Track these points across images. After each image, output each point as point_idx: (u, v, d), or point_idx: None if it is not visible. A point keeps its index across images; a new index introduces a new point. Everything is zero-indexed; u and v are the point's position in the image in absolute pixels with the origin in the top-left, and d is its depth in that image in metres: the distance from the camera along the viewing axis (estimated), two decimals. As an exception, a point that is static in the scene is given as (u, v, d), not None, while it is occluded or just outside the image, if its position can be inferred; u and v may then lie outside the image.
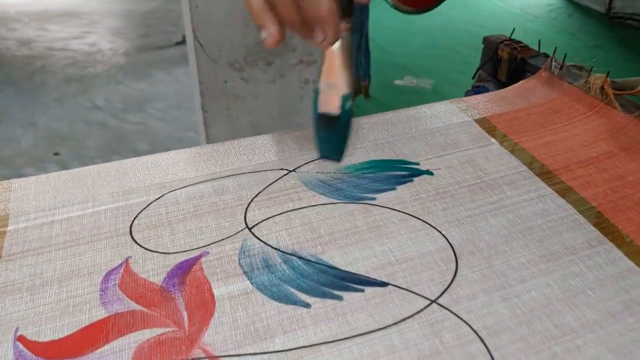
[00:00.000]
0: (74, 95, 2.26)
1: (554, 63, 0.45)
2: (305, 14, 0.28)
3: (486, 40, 0.54)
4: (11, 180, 0.33)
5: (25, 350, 0.23)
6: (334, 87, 0.29)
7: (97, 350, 0.23)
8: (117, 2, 3.18)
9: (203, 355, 0.22)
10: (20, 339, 0.23)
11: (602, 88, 0.41)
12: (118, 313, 0.24)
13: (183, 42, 2.57)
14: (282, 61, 0.87)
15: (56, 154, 1.92)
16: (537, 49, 0.50)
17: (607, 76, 0.42)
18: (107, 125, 2.07)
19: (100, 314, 0.24)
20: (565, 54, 0.46)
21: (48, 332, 0.24)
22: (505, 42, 0.52)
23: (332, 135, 0.30)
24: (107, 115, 2.16)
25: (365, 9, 1.15)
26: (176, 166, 0.34)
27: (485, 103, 0.41)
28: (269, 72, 0.87)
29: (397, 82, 1.83)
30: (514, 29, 0.53)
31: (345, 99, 0.29)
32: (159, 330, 0.24)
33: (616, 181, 0.32)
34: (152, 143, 1.93)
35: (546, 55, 0.48)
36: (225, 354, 0.23)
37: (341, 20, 0.28)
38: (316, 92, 0.30)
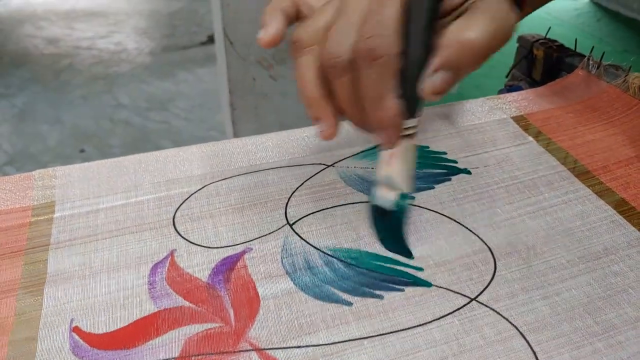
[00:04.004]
0: (99, 93, 2.31)
1: (590, 62, 0.45)
2: (367, 114, 0.25)
3: (521, 39, 0.54)
4: (55, 168, 0.34)
5: (81, 342, 0.24)
6: (393, 181, 0.27)
7: (149, 342, 0.24)
8: (143, 2, 3.23)
9: (250, 347, 0.23)
10: (76, 330, 0.25)
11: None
12: (167, 308, 0.25)
13: (207, 42, 2.61)
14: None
15: (82, 150, 1.96)
16: (590, 53, 0.50)
17: (638, 74, 0.42)
18: (132, 123, 2.11)
19: (150, 308, 0.26)
20: (603, 53, 0.46)
21: (101, 324, 0.25)
22: (541, 41, 0.52)
23: (386, 227, 0.29)
24: (131, 114, 2.20)
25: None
26: (216, 157, 0.35)
27: (521, 101, 0.41)
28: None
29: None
30: (549, 28, 0.53)
31: (403, 197, 0.27)
32: (206, 325, 0.25)
33: (657, 181, 0.32)
34: (176, 141, 1.96)
35: (582, 55, 0.48)
36: (271, 346, 0.23)
37: (407, 118, 0.25)
38: (374, 184, 0.28)
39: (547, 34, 0.52)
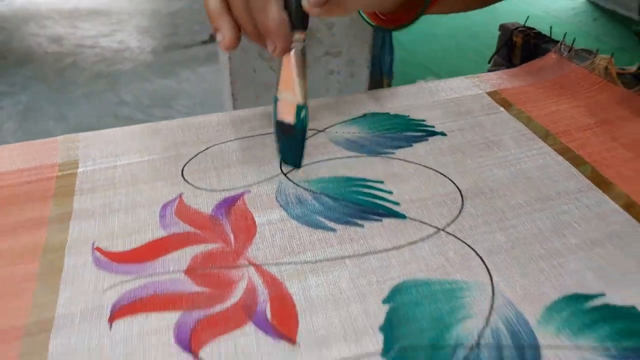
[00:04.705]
0: (102, 91, 2.35)
1: (563, 46, 0.50)
2: (257, 24, 0.30)
3: (502, 27, 0.59)
4: (78, 134, 0.39)
5: (102, 257, 0.28)
6: (290, 96, 0.31)
7: (160, 258, 0.28)
8: (145, 2, 3.29)
9: (247, 263, 0.28)
10: (97, 249, 0.29)
11: (606, 68, 0.46)
12: (175, 233, 0.30)
13: (208, 41, 2.66)
14: (308, 52, 0.93)
15: (86, 146, 2.00)
16: (563, 39, 0.54)
17: (611, 57, 0.46)
18: (135, 119, 2.15)
19: (161, 233, 0.30)
20: (574, 39, 0.50)
21: (119, 246, 0.29)
22: (520, 29, 0.56)
23: (290, 142, 0.33)
24: (134, 111, 2.24)
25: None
26: (219, 125, 0.40)
27: (497, 79, 0.46)
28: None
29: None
30: (527, 17, 0.57)
31: (300, 108, 0.31)
32: (210, 246, 0.29)
33: (610, 143, 0.37)
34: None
35: (557, 42, 0.53)
36: (266, 263, 0.28)
37: (295, 30, 0.30)
38: (275, 101, 0.32)
39: (525, 22, 0.57)
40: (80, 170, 0.35)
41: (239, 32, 0.31)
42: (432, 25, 2.41)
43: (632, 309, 0.25)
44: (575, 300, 0.25)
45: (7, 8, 3.23)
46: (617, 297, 0.26)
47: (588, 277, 0.27)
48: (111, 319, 0.25)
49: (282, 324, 0.25)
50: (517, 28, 0.57)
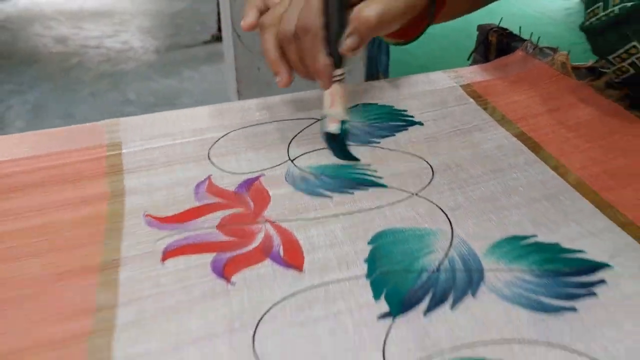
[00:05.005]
0: (107, 90, 2.44)
1: (529, 44, 0.58)
2: (308, 68, 0.40)
3: (479, 28, 0.67)
4: (118, 119, 0.47)
5: (152, 220, 0.37)
6: (335, 114, 0.43)
7: (197, 219, 0.37)
8: (147, 3, 3.37)
9: (264, 220, 0.36)
10: (147, 215, 0.37)
11: (563, 63, 0.54)
12: (207, 203, 0.38)
13: (210, 41, 2.74)
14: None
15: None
16: (529, 38, 0.62)
17: (568, 54, 0.55)
18: (140, 117, 2.23)
19: (196, 204, 0.38)
20: (539, 37, 0.59)
21: (163, 213, 0.38)
22: (494, 29, 0.65)
23: (336, 145, 0.44)
24: (138, 109, 2.33)
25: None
26: (235, 112, 0.48)
27: (470, 73, 0.54)
28: (297, 62, 1.02)
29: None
30: (501, 18, 0.66)
31: (343, 123, 0.43)
32: (235, 210, 0.38)
33: (556, 125, 0.45)
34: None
35: (533, 44, 0.61)
36: (278, 220, 0.36)
37: (336, 69, 0.41)
38: (323, 117, 0.44)
39: (500, 23, 0.65)
40: (124, 151, 0.44)
41: (292, 73, 0.42)
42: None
43: (555, 245, 0.34)
44: (513, 239, 0.34)
45: (12, 9, 3.31)
46: (546, 237, 0.34)
47: (525, 224, 0.35)
48: (164, 258, 0.34)
49: (292, 259, 0.33)
50: (492, 28, 0.65)
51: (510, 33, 0.63)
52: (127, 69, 2.66)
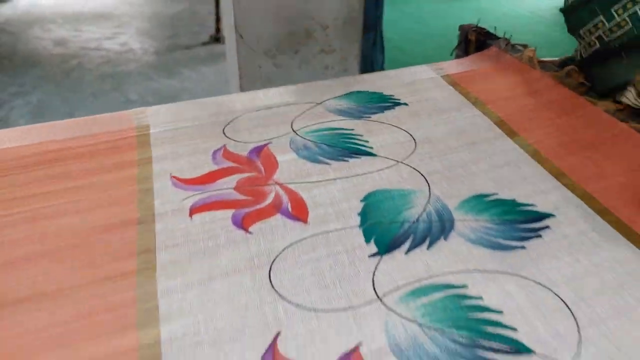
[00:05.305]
0: (108, 90, 2.51)
1: (502, 41, 0.66)
2: None
3: (461, 28, 0.75)
4: (145, 108, 0.55)
5: (177, 182, 0.44)
6: None
7: (216, 181, 0.44)
8: (145, 5, 3.43)
9: (274, 182, 0.44)
10: (173, 177, 0.45)
11: (530, 57, 0.62)
12: (223, 167, 0.46)
13: (209, 42, 2.81)
14: (306, 50, 1.09)
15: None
16: (505, 36, 0.70)
17: (534, 49, 0.63)
18: (141, 117, 2.30)
19: (214, 168, 0.46)
20: (511, 35, 0.67)
21: (187, 176, 0.45)
22: (474, 29, 0.73)
23: None
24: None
25: (380, 6, 1.36)
26: (248, 100, 0.56)
27: (450, 66, 0.62)
28: (296, 59, 1.09)
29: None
30: (479, 19, 0.74)
31: None
32: (248, 174, 0.45)
33: (521, 107, 0.53)
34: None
35: (505, 39, 0.69)
36: (285, 182, 0.44)
37: None
38: None
39: (478, 23, 0.73)
40: (152, 131, 0.51)
41: None
42: (424, 25, 2.58)
43: (512, 200, 0.41)
44: (479, 196, 0.42)
45: (11, 12, 3.37)
46: (505, 195, 0.42)
47: (489, 185, 0.43)
48: (190, 214, 0.41)
49: (298, 213, 0.41)
50: (472, 28, 0.73)
51: (487, 32, 0.71)
52: (128, 70, 2.72)
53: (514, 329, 0.32)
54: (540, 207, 0.41)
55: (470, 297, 0.34)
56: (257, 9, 0.97)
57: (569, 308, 0.33)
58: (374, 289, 0.35)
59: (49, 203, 0.43)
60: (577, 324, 0.32)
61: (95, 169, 0.46)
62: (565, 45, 0.65)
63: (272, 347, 0.31)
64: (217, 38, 2.86)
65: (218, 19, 2.77)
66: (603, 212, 0.40)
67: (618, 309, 0.33)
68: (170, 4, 3.48)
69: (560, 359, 0.30)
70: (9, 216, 0.42)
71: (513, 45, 0.65)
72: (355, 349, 0.31)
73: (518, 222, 0.40)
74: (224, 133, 0.51)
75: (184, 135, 0.51)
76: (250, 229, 0.40)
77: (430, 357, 0.30)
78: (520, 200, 0.42)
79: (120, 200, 0.43)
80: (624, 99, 0.54)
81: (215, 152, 0.48)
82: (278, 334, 0.32)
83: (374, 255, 0.37)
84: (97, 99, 2.45)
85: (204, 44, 2.86)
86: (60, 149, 0.49)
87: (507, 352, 0.30)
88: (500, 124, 0.51)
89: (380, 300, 0.34)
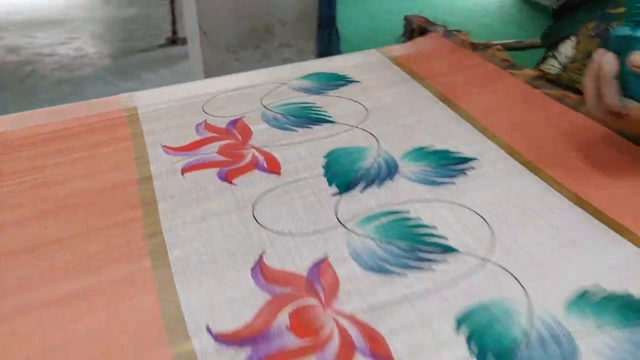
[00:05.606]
0: (66, 95, 2.53)
1: (439, 28, 0.77)
2: None
3: (406, 18, 0.86)
4: (132, 92, 0.63)
5: (168, 150, 0.53)
6: None
7: (200, 148, 0.53)
8: (97, 9, 3.45)
9: (250, 147, 0.53)
10: (164, 146, 0.54)
11: (463, 40, 0.73)
12: (205, 137, 0.55)
13: (165, 44, 2.86)
14: (267, 45, 1.19)
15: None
16: (443, 24, 0.81)
17: (467, 33, 0.74)
18: (102, 120, 2.33)
19: (197, 137, 0.55)
20: (447, 24, 0.78)
21: (174, 144, 0.54)
22: (418, 18, 0.84)
23: None
24: (99, 113, 2.41)
25: (333, 4, 1.48)
26: (221, 83, 0.65)
27: (396, 50, 0.73)
28: (257, 54, 1.19)
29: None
30: (421, 9, 0.85)
31: None
32: (227, 141, 0.54)
33: (454, 80, 0.64)
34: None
35: (443, 26, 0.80)
36: (260, 146, 0.54)
37: None
38: None
39: (420, 13, 0.85)
40: (140, 111, 0.60)
41: None
42: (377, 22, 2.72)
43: (446, 150, 0.52)
44: (419, 149, 0.53)
45: (-42, 21, 3.32)
46: (440, 146, 0.53)
47: (428, 140, 0.54)
48: (182, 173, 0.50)
49: (272, 168, 0.51)
50: (415, 18, 0.84)
51: (428, 20, 0.83)
52: (84, 74, 2.75)
53: (445, 238, 0.42)
54: (467, 154, 0.52)
55: (412, 219, 0.44)
56: (219, 7, 1.06)
57: (486, 221, 0.44)
58: (337, 217, 0.45)
59: (57, 171, 0.51)
60: (491, 231, 0.43)
61: (94, 143, 0.55)
62: (504, 34, 0.77)
63: (259, 261, 0.41)
64: (173, 40, 2.91)
65: (174, 21, 2.82)
66: (515, 155, 0.51)
67: (522, 220, 0.44)
68: (122, 7, 3.50)
69: (478, 254, 0.41)
70: (23, 183, 0.50)
71: (450, 31, 0.77)
72: (325, 259, 0.41)
73: (449, 164, 0.51)
74: (203, 110, 0.60)
75: (169, 114, 0.60)
76: (234, 181, 0.49)
77: (382, 259, 0.40)
78: (451, 150, 0.53)
79: (120, 166, 0.52)
80: (544, 67, 0.66)
81: (197, 126, 0.57)
82: (263, 252, 0.41)
83: (335, 194, 0.47)
84: (54, 105, 2.46)
85: (161, 46, 2.91)
86: (62, 129, 0.57)
87: (438, 253, 0.41)
88: (437, 94, 0.62)
89: (343, 225, 0.44)
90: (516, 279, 0.38)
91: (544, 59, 0.71)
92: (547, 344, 0.34)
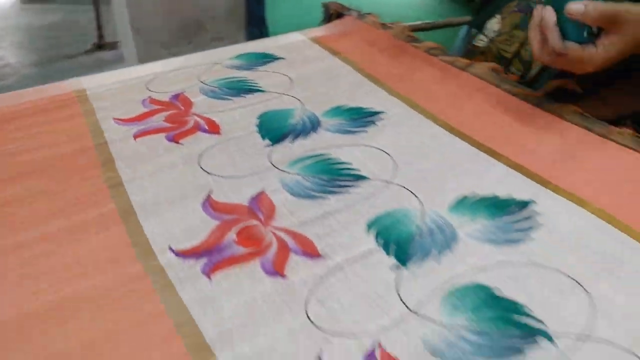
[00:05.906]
0: (-10, 106, 2.48)
1: (353, 12, 0.89)
2: None
3: (324, 5, 0.98)
4: (80, 78, 0.71)
5: (119, 121, 0.62)
6: None
7: (148, 119, 0.62)
8: (16, 17, 3.39)
9: (192, 114, 0.63)
10: (114, 119, 0.62)
11: (374, 21, 0.86)
12: (152, 109, 0.64)
13: (92, 50, 2.86)
14: (199, 39, 1.28)
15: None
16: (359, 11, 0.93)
17: (377, 15, 0.86)
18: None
19: (144, 110, 0.64)
20: (362, 10, 0.90)
21: (125, 117, 0.63)
22: (334, 4, 0.95)
23: None
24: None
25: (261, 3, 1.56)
26: (161, 65, 0.74)
27: (317, 31, 0.84)
28: (190, 48, 1.27)
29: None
30: (350, 3, 0.97)
31: None
32: (172, 111, 0.63)
33: (367, 53, 0.76)
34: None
35: (357, 10, 0.92)
36: (201, 113, 0.63)
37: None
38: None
39: (338, 0, 0.96)
40: (89, 92, 0.68)
41: None
42: (305, 18, 2.84)
43: (359, 107, 0.63)
44: (337, 107, 0.64)
45: None
46: (354, 104, 0.64)
47: (344, 100, 0.65)
48: (135, 137, 0.59)
49: (213, 129, 0.60)
50: (332, 4, 0.96)
51: (344, 6, 0.95)
52: (7, 84, 2.71)
53: (358, 170, 0.54)
54: (376, 109, 0.63)
55: (332, 159, 0.55)
56: (150, 5, 1.13)
57: (390, 156, 0.55)
58: (270, 162, 0.55)
59: (17, 144, 0.58)
60: (394, 162, 0.54)
61: (50, 120, 0.63)
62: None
63: (208, 198, 0.50)
64: (100, 45, 2.91)
65: (100, 26, 2.83)
66: (415, 107, 0.64)
67: (419, 154, 0.56)
68: (43, 15, 3.45)
69: (383, 178, 0.52)
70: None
71: (363, 14, 0.89)
72: (262, 192, 0.51)
73: (361, 118, 0.62)
74: (147, 88, 0.69)
75: (116, 92, 0.68)
76: (181, 141, 0.58)
77: (308, 189, 0.51)
78: (364, 107, 0.64)
79: (77, 138, 0.60)
80: (475, 43, 0.80)
81: (143, 101, 0.66)
82: (210, 192, 0.51)
83: (268, 145, 0.58)
84: (-21, 116, 2.42)
85: (88, 52, 2.90)
86: (17, 110, 0.64)
87: (353, 180, 0.52)
88: (352, 64, 0.74)
89: (275, 167, 0.54)
90: (413, 193, 0.50)
91: (473, 37, 0.85)
92: (435, 233, 0.45)
